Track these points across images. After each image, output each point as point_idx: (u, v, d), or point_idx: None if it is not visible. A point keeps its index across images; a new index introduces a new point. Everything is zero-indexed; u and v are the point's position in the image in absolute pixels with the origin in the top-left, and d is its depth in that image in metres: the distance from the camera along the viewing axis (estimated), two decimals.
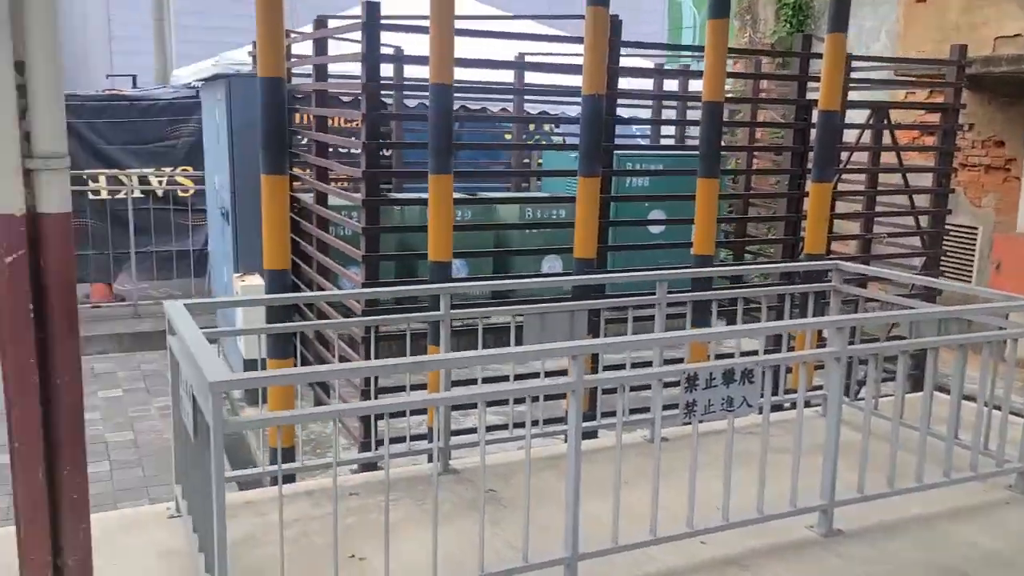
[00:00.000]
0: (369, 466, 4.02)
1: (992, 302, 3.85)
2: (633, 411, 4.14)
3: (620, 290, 5.13)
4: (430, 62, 3.95)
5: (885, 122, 6.41)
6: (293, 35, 5.73)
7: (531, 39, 5.91)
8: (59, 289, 1.92)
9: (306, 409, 3.56)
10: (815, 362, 4.16)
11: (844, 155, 6.27)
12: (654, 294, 4.12)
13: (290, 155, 4.99)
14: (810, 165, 5.32)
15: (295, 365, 4.12)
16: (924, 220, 6.42)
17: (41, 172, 1.88)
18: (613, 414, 3.18)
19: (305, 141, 5.99)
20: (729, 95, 6.62)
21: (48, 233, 1.90)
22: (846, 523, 3.26)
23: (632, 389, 4.14)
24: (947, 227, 6.51)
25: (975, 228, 8.63)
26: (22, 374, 1.91)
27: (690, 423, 2.91)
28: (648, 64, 8.49)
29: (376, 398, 4.02)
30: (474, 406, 2.82)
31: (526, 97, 7.84)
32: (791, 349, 4.66)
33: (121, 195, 9.00)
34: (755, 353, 4.14)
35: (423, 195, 4.17)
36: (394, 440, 3.67)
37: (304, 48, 5.91)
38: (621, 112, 5.59)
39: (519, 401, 3.92)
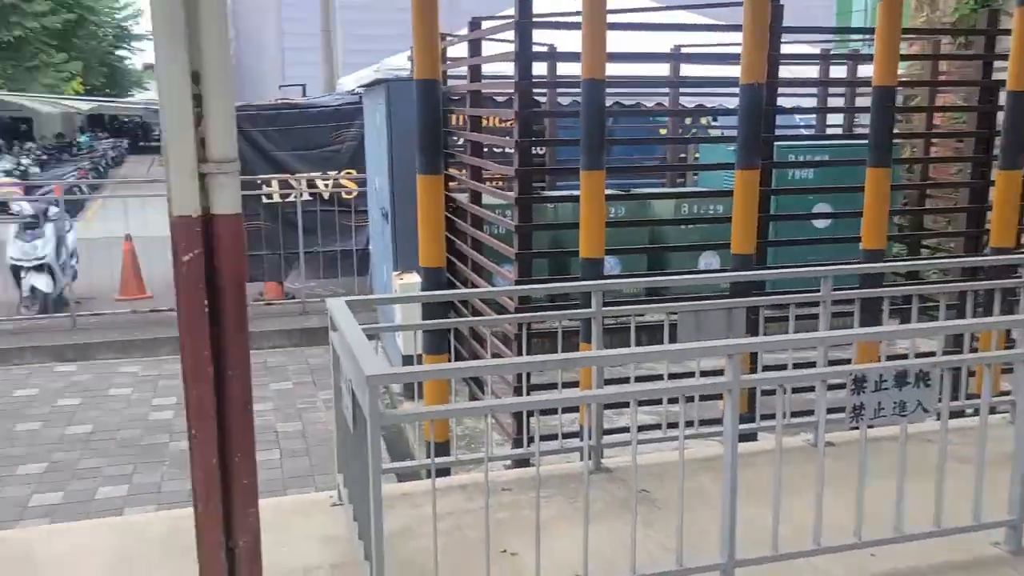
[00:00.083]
0: (522, 462, 4.04)
1: None
2: (795, 414, 3.97)
3: (781, 287, 4.92)
4: (582, 57, 3.92)
5: None
6: (449, 38, 5.85)
7: (686, 30, 5.79)
8: (231, 286, 2.03)
9: (458, 404, 3.62)
10: (1002, 364, 3.82)
11: None
12: (818, 291, 3.93)
13: (445, 155, 5.10)
14: (996, 151, 4.95)
15: (450, 361, 4.21)
16: None
17: (215, 176, 1.99)
18: (773, 416, 3.05)
19: (460, 141, 6.11)
20: (903, 79, 6.22)
21: (221, 233, 2.00)
22: None
23: (794, 391, 3.97)
24: None
25: None
26: (199, 366, 2.03)
27: (857, 428, 2.75)
28: (814, 50, 8.10)
29: (528, 395, 4.04)
30: (626, 405, 2.77)
31: (682, 90, 7.70)
32: (973, 351, 4.32)
33: (291, 198, 9.51)
34: (932, 355, 3.86)
35: (575, 192, 4.15)
36: (546, 437, 3.67)
37: (460, 51, 6.03)
38: (783, 102, 5.37)
39: (673, 401, 3.83)
